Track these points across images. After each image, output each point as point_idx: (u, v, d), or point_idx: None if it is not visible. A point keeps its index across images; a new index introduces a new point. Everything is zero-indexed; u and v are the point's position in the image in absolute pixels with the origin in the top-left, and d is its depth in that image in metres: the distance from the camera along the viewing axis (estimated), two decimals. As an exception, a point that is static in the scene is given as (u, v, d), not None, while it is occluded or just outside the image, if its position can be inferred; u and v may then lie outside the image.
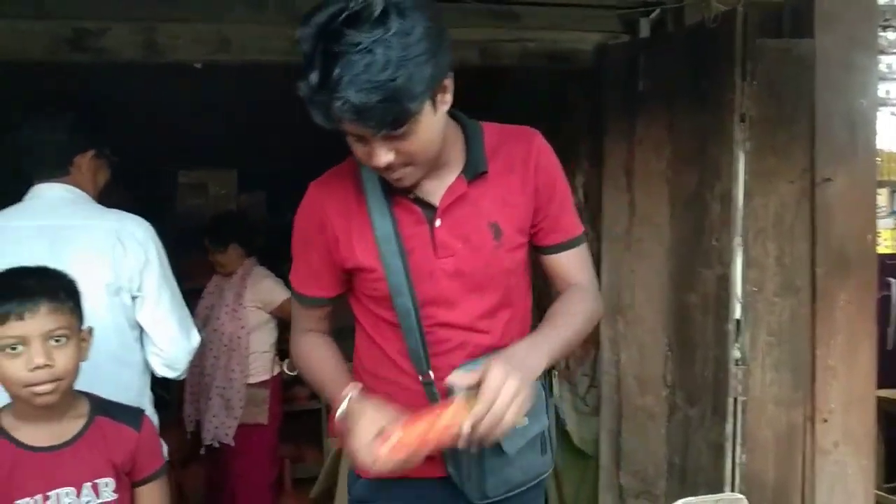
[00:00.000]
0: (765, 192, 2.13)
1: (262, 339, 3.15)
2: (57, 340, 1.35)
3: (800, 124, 2.15)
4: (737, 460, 2.07)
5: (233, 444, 3.05)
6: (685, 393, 2.22)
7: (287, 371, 3.11)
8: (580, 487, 2.86)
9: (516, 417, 1.13)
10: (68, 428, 1.43)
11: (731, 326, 2.07)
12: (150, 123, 3.59)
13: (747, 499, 1.70)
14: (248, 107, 3.87)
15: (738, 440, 2.07)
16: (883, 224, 4.08)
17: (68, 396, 1.41)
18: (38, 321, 1.32)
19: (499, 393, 1.11)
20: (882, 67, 3.54)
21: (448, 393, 1.19)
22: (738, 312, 2.08)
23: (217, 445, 3.09)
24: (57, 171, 1.86)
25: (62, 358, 1.35)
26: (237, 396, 3.05)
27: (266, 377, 3.15)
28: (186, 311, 1.92)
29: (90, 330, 1.45)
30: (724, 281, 2.08)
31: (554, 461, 1.46)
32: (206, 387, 3.10)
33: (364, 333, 1.41)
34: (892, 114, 4.09)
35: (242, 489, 3.11)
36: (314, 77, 1.09)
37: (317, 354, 1.42)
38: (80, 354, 1.41)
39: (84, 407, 1.46)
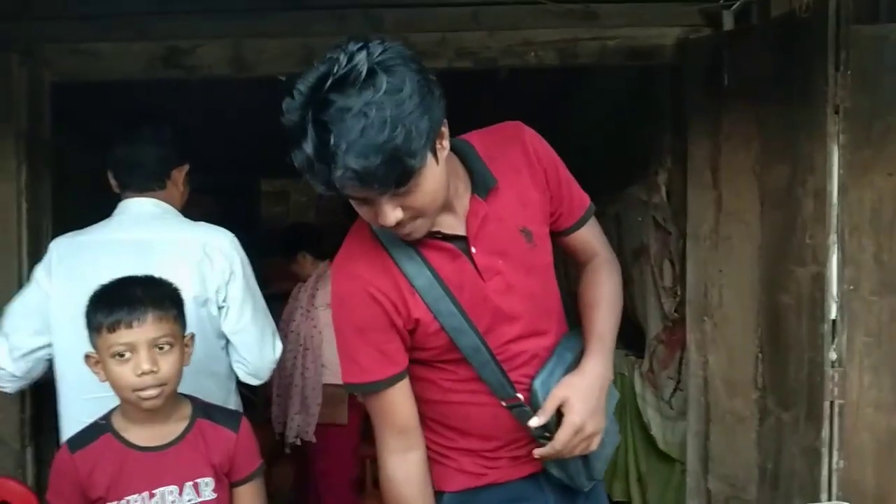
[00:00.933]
0: (860, 185, 2.03)
1: None
2: (161, 348, 1.42)
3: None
4: (834, 466, 1.98)
5: (314, 441, 3.13)
6: (777, 396, 2.14)
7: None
8: (665, 492, 2.81)
9: (595, 447, 1.32)
10: (172, 429, 1.50)
11: (827, 327, 1.98)
12: (235, 135, 3.73)
13: (847, 507, 1.64)
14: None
15: (836, 445, 1.98)
16: None
17: (172, 400, 1.49)
18: (145, 329, 1.40)
19: (576, 436, 1.28)
20: None
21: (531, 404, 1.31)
22: (833, 312, 1.99)
23: (299, 443, 3.18)
24: (154, 184, 1.91)
25: (167, 364, 1.42)
26: (313, 395, 3.13)
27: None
28: (270, 321, 1.96)
29: (192, 336, 1.53)
30: (819, 280, 2.00)
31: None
32: (287, 386, 3.21)
33: (426, 386, 1.35)
34: None
35: (326, 488, 3.19)
36: (309, 148, 1.07)
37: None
38: (183, 360, 1.48)
39: (187, 409, 1.53)
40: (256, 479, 1.58)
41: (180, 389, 1.52)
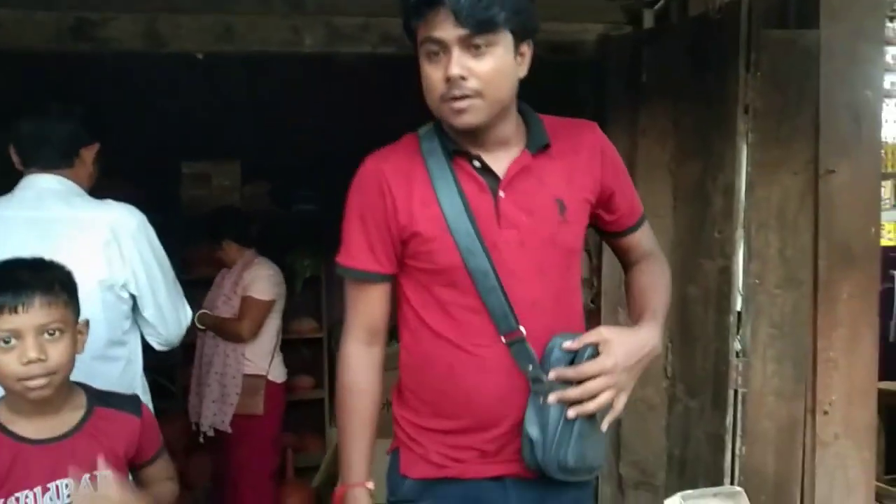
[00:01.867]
0: (768, 183, 2.12)
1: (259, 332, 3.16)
2: (51, 334, 1.34)
3: (804, 116, 2.14)
4: (736, 452, 2.07)
5: (229, 431, 3.08)
6: (685, 385, 2.22)
7: (198, 325, 3.06)
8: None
9: (607, 401, 1.22)
10: (66, 420, 1.43)
11: (733, 318, 2.07)
12: (153, 115, 3.60)
13: (746, 491, 1.70)
14: (251, 98, 3.88)
15: (738, 432, 2.07)
16: (887, 217, 4.06)
17: (64, 389, 1.41)
18: (31, 315, 1.32)
19: (601, 379, 1.20)
20: (888, 59, 3.51)
21: (547, 355, 1.24)
22: (739, 304, 2.07)
23: (212, 434, 3.12)
24: (62, 162, 1.85)
25: (56, 352, 1.34)
26: (232, 384, 3.08)
27: (262, 371, 3.15)
28: (179, 289, 1.94)
29: (87, 323, 1.46)
30: (726, 273, 2.08)
31: None
32: (205, 374, 3.15)
33: (414, 317, 1.35)
34: (898, 106, 4.06)
35: (243, 478, 3.13)
36: None
37: (355, 398, 1.36)
38: (76, 347, 1.41)
39: (81, 398, 1.46)
40: (163, 457, 1.56)
41: (79, 376, 1.46)
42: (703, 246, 2.15)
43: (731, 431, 2.06)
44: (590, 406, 1.21)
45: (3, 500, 1.38)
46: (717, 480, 2.07)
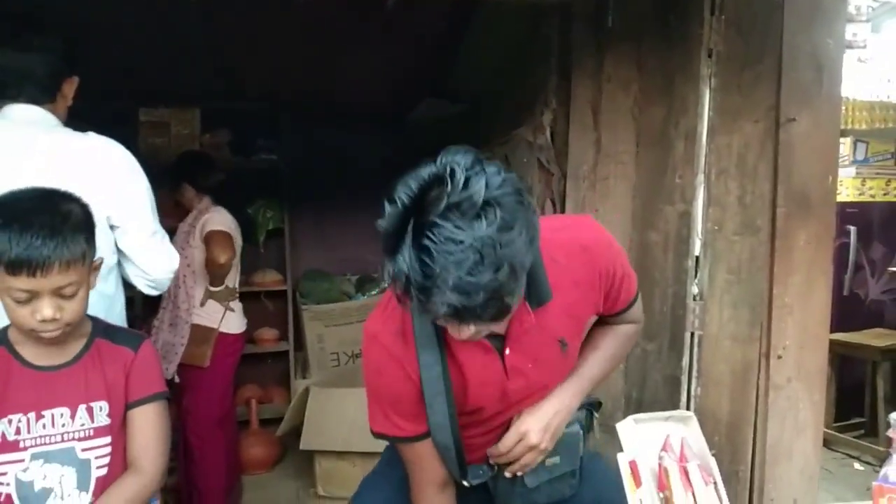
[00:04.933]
0: (729, 130, 2.13)
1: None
2: (68, 294, 1.32)
3: (766, 63, 2.14)
4: (692, 394, 2.11)
5: (177, 380, 3.07)
6: (644, 329, 2.24)
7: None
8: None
9: (531, 462, 1.38)
10: (68, 349, 1.42)
11: (691, 262, 2.09)
12: (109, 59, 3.48)
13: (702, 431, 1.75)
14: (211, 42, 3.77)
15: (694, 374, 2.11)
16: (844, 173, 4.14)
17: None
18: (49, 279, 1.29)
19: (515, 444, 1.35)
20: (850, 9, 3.53)
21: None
22: (697, 249, 2.10)
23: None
24: (45, 97, 1.79)
25: (71, 307, 1.33)
26: (180, 334, 3.05)
27: (214, 323, 3.12)
28: (164, 232, 1.91)
29: (101, 260, 1.42)
30: (686, 218, 2.09)
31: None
32: (161, 323, 3.12)
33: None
34: (859, 60, 4.09)
35: (188, 425, 3.15)
36: (406, 268, 1.00)
37: None
38: (90, 286, 1.39)
39: (86, 328, 1.45)
40: (154, 404, 1.49)
41: None
42: (665, 191, 2.16)
43: (688, 373, 2.10)
44: (515, 467, 1.38)
45: None
46: (672, 422, 2.12)
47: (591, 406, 1.53)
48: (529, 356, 1.33)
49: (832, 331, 2.36)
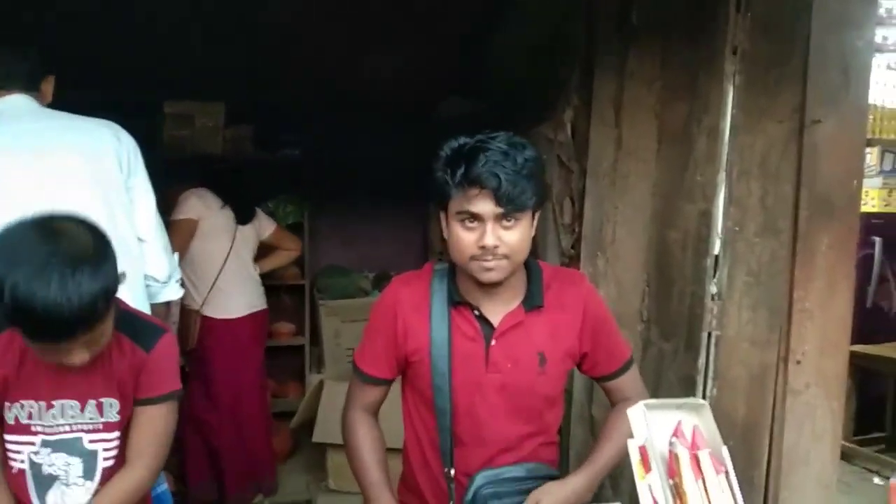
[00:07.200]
0: (753, 130, 2.10)
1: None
2: (94, 342, 1.31)
3: (793, 63, 2.10)
4: (707, 394, 2.08)
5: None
6: (660, 328, 2.23)
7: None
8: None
9: None
10: None
11: (710, 261, 2.06)
12: (137, 52, 3.52)
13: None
14: (238, 36, 3.80)
15: (710, 374, 2.08)
16: (871, 183, 4.07)
17: None
18: (76, 344, 1.26)
19: None
20: (881, 12, 3.47)
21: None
22: (717, 248, 2.07)
23: None
24: (30, 87, 1.92)
25: (95, 348, 1.31)
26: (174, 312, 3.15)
27: (195, 305, 3.25)
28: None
29: (123, 274, 1.35)
30: (706, 216, 2.07)
31: None
32: None
33: (411, 427, 1.60)
34: (889, 67, 4.02)
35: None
36: (465, 150, 1.38)
37: (364, 443, 1.58)
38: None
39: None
40: (161, 404, 1.46)
41: None
42: (685, 189, 2.14)
43: (703, 373, 2.07)
44: None
45: (12, 403, 1.37)
46: (687, 423, 2.09)
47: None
48: (510, 356, 1.49)
49: (854, 343, 2.32)
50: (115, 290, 1.27)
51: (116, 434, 1.44)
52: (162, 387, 1.46)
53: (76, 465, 1.42)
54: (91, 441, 1.42)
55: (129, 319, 1.44)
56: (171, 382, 1.48)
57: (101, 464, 1.44)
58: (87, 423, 1.41)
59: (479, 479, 1.48)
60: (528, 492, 1.47)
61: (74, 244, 1.20)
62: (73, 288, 1.15)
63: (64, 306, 1.15)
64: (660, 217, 2.24)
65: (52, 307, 1.14)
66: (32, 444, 1.40)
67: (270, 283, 4.21)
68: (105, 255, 1.25)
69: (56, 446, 1.40)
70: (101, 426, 1.42)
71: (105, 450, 1.43)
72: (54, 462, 1.41)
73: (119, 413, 1.43)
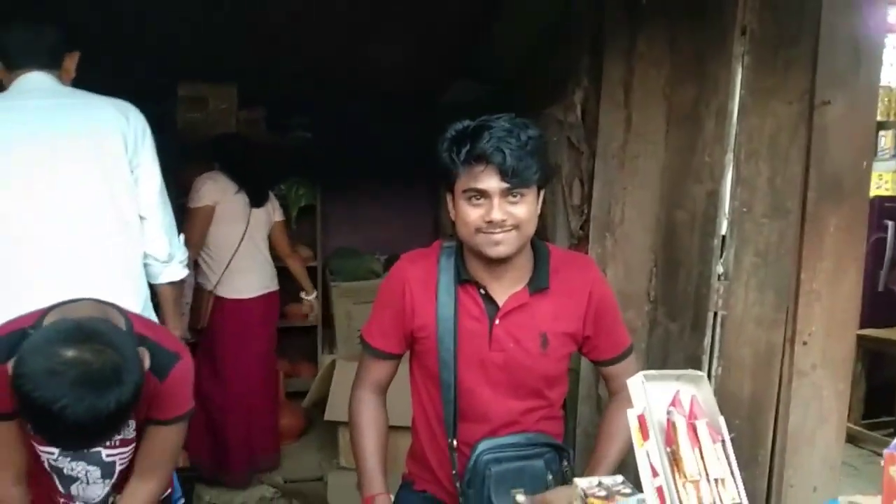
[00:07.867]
0: (761, 111, 2.10)
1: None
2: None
3: (802, 44, 2.10)
4: (713, 373, 2.10)
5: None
6: (667, 308, 2.24)
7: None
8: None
9: None
10: None
11: (717, 241, 2.07)
12: (151, 34, 3.54)
13: (722, 413, 1.73)
14: (251, 19, 3.82)
15: (716, 354, 2.10)
16: (885, 167, 4.05)
17: None
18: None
19: None
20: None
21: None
22: (724, 228, 2.08)
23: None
24: (52, 64, 1.92)
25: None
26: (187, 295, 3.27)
27: (209, 285, 3.34)
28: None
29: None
30: (714, 197, 2.08)
31: None
32: None
33: (419, 402, 1.63)
34: (901, 48, 3.98)
35: None
36: (470, 130, 1.42)
37: (366, 428, 1.60)
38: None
39: None
40: (169, 426, 1.47)
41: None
42: (693, 170, 2.15)
43: (709, 353, 2.09)
44: None
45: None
46: (692, 403, 2.11)
47: (558, 449, 1.59)
48: (513, 336, 1.51)
49: (863, 326, 2.32)
50: (139, 397, 1.24)
51: (132, 446, 1.50)
52: (175, 411, 1.47)
53: (95, 470, 1.48)
54: (108, 455, 1.47)
55: (145, 343, 1.39)
56: (184, 405, 1.48)
57: (118, 468, 1.50)
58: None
59: (481, 446, 1.51)
60: (527, 458, 1.51)
61: (105, 358, 1.17)
62: (104, 406, 1.14)
63: (89, 427, 1.15)
64: (668, 198, 2.25)
65: (79, 425, 1.14)
66: (52, 452, 1.44)
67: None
68: (132, 368, 1.22)
69: (75, 457, 1.45)
70: (118, 442, 1.46)
71: (121, 460, 1.49)
72: (74, 468, 1.46)
73: (135, 430, 1.48)
